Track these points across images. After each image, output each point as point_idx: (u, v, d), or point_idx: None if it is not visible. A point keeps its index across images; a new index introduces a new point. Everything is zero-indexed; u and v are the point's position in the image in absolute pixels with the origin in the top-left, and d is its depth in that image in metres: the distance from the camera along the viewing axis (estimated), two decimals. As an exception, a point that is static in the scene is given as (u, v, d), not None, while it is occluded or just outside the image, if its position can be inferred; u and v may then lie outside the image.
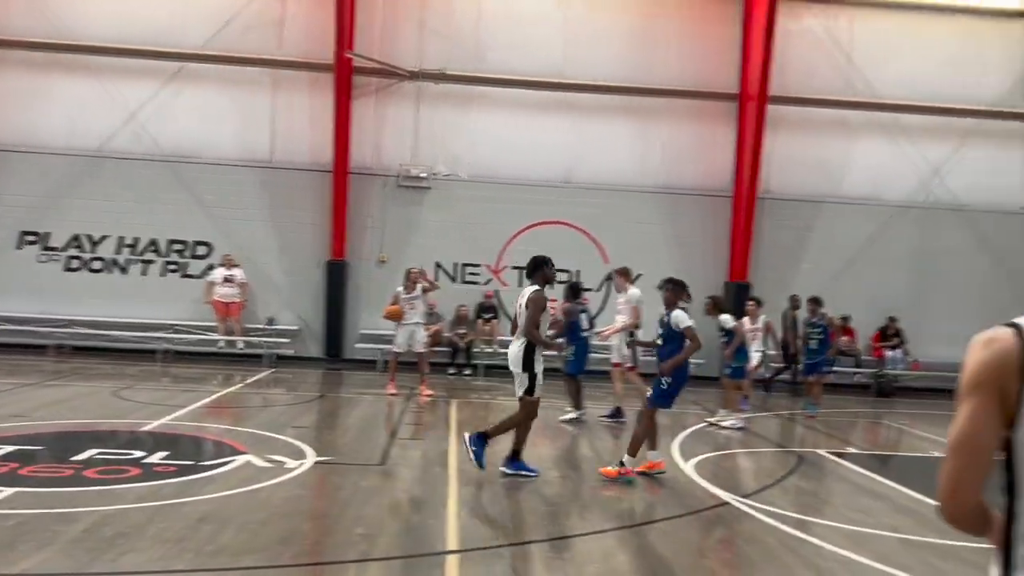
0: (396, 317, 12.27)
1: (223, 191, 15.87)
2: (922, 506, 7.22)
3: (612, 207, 16.28)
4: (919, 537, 6.12)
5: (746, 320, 12.00)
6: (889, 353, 16.19)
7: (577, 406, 10.62)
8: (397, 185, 16.13)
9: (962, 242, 16.63)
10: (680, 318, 7.61)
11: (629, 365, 10.86)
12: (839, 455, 9.34)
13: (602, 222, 16.30)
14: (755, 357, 12.24)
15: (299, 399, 11.86)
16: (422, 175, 16.07)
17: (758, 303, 12.58)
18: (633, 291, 10.87)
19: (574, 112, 16.39)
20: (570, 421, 10.39)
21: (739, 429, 10.43)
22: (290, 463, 7.31)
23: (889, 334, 16.36)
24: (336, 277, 15.87)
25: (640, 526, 6.08)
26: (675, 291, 7.84)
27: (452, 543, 5.39)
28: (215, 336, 15.38)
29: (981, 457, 1.59)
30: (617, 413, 10.70)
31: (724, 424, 10.56)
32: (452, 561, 5.04)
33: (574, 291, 11.09)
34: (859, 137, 16.73)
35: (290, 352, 15.68)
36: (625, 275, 11.26)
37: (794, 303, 14.68)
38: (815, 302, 12.78)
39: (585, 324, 10.87)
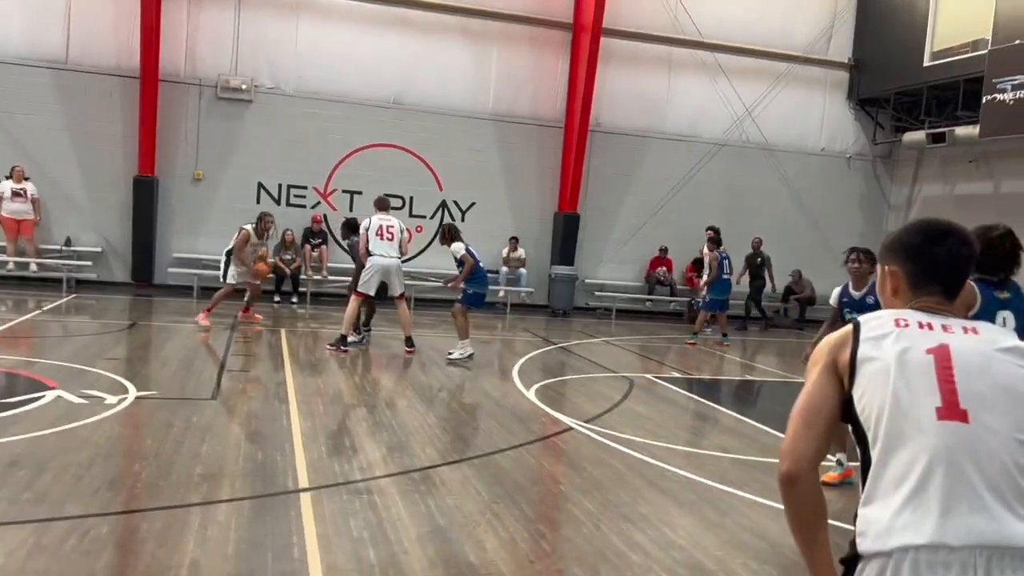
0: (265, 277, 11.57)
1: (10, 94, 13.96)
2: (744, 426, 7.76)
3: (445, 132, 15.94)
4: (747, 456, 6.56)
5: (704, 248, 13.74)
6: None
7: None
8: (215, 97, 14.87)
9: (768, 180, 17.81)
10: (456, 249, 9.86)
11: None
12: (666, 379, 9.85)
13: (435, 147, 15.95)
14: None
15: (107, 328, 10.85)
16: (243, 87, 14.90)
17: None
18: (456, 246, 10.23)
19: (409, 30, 15.75)
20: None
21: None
22: (109, 399, 6.67)
23: (701, 265, 17.35)
24: (145, 195, 14.52)
25: (492, 455, 6.07)
26: (450, 232, 10.14)
27: (303, 480, 5.12)
28: (4, 257, 13.71)
29: (820, 418, 1.78)
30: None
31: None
32: (306, 499, 4.79)
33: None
34: (682, 75, 17.31)
35: (92, 276, 14.30)
36: (449, 236, 10.32)
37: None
38: (714, 241, 13.52)
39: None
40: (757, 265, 16.27)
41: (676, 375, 10.45)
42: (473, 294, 10.11)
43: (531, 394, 8.28)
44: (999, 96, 14.13)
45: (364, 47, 15.50)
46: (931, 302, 1.90)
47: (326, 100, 15.31)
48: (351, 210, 15.66)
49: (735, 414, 8.27)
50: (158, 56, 14.14)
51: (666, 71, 17.22)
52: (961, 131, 15.53)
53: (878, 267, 2.05)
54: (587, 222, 16.53)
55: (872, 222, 18.54)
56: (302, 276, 14.81)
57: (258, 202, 15.20)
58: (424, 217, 16.00)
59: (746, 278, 16.12)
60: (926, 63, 16.39)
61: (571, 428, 7.03)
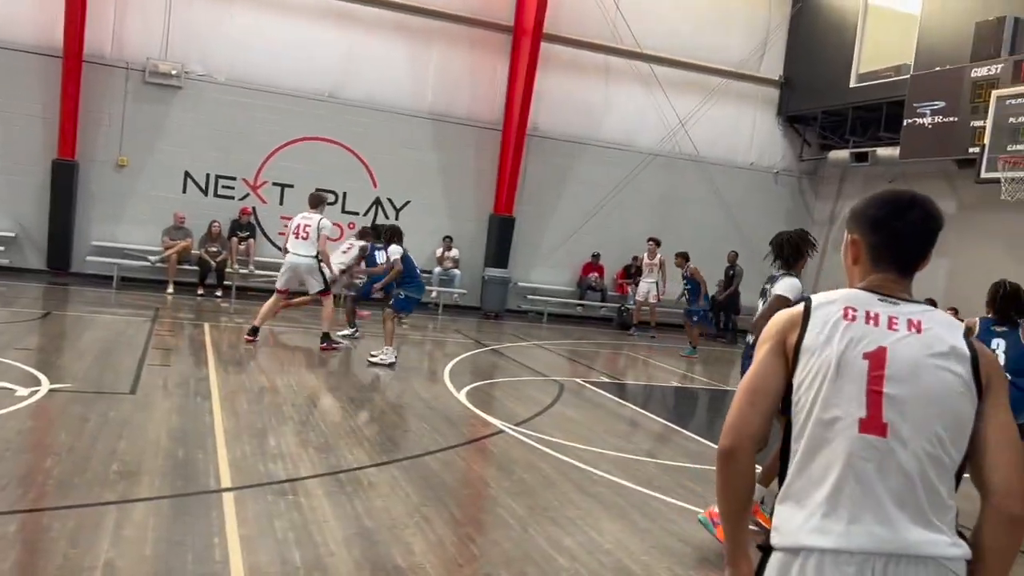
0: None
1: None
2: (672, 432, 7.88)
3: (382, 129, 15.77)
4: (674, 462, 6.66)
5: (645, 256, 14.68)
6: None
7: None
8: (143, 81, 14.37)
9: (700, 191, 18.18)
10: (392, 251, 9.71)
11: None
12: (595, 384, 9.94)
13: (371, 143, 15.76)
14: (643, 288, 15.79)
15: (19, 316, 10.34)
16: (173, 72, 14.45)
17: (656, 243, 15.43)
18: (393, 248, 10.12)
19: (347, 24, 15.53)
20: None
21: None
22: (20, 390, 6.36)
23: (631, 272, 17.59)
24: (64, 179, 13.92)
25: (421, 456, 6.01)
26: (391, 234, 9.93)
27: (226, 479, 4.97)
28: (-96, 239, 13.00)
29: (765, 397, 1.84)
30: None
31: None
32: (229, 499, 4.65)
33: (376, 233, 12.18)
34: (619, 84, 17.53)
35: (4, 262, 13.65)
36: (388, 237, 10.24)
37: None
38: (682, 256, 14.43)
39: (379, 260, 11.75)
40: (730, 278, 16.73)
41: (605, 380, 10.56)
42: (405, 299, 9.91)
43: (462, 396, 8.24)
44: (919, 120, 14.74)
45: (301, 38, 15.22)
46: (886, 280, 1.91)
47: (259, 90, 14.97)
48: (281, 204, 15.38)
49: (663, 420, 8.40)
50: (83, 36, 13.60)
51: (604, 79, 17.41)
52: (883, 152, 16.14)
53: (845, 235, 2.04)
54: (522, 225, 16.57)
55: (796, 236, 19.07)
56: (228, 269, 14.42)
57: (184, 192, 14.77)
58: (357, 214, 15.79)
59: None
60: (852, 84, 17.00)
61: (501, 431, 7.02)
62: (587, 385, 9.82)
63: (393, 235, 10.01)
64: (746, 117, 18.71)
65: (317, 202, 10.44)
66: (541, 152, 16.87)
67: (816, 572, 1.69)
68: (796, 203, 19.22)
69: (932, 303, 1.98)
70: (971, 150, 13.43)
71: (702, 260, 16.94)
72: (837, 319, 1.82)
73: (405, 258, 9.83)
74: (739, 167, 18.60)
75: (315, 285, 10.27)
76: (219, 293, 14.28)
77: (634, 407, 9.02)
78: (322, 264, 10.16)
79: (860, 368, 1.76)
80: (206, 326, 11.02)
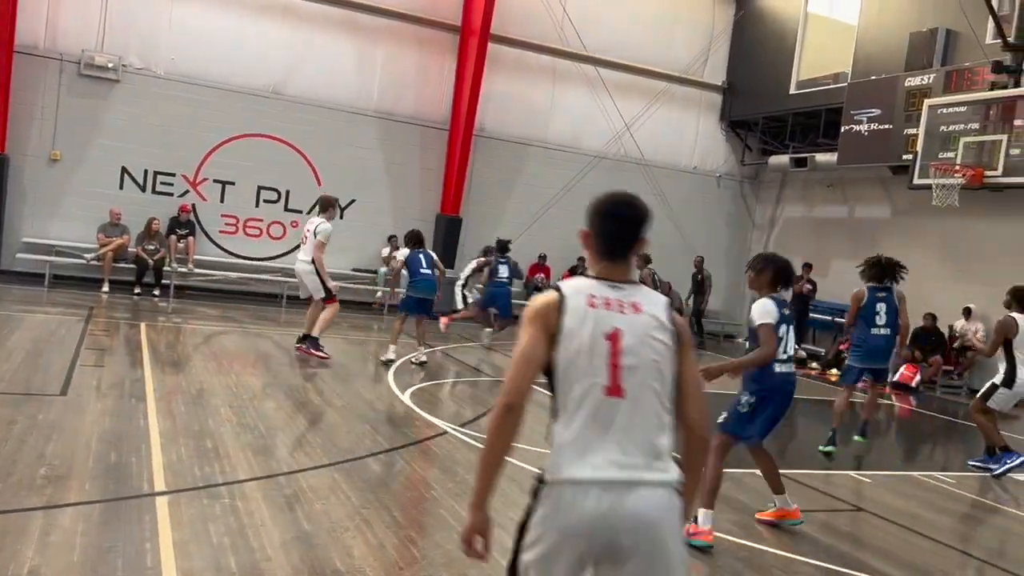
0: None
1: None
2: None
3: (327, 126, 15.59)
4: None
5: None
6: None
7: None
8: (78, 74, 13.94)
9: (644, 194, 18.10)
10: (399, 254, 7.83)
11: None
12: (543, 385, 9.93)
13: (316, 141, 15.56)
14: None
15: (-57, 315, 9.96)
16: (109, 65, 14.05)
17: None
18: (401, 251, 11.10)
19: (291, 20, 15.31)
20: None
21: None
22: (-59, 393, 6.10)
23: (578, 273, 17.72)
24: (-8, 174, 13.45)
25: (363, 458, 5.94)
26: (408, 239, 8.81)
27: (160, 483, 4.85)
28: None
29: (534, 365, 2.33)
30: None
31: None
32: (163, 503, 4.53)
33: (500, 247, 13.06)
34: (566, 86, 17.64)
35: (-72, 259, 13.12)
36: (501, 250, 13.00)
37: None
38: (643, 259, 14.10)
39: (503, 273, 12.91)
40: (698, 282, 16.97)
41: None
42: (406, 298, 10.47)
43: (406, 397, 8.17)
44: (855, 127, 15.16)
45: (244, 33, 14.96)
46: (609, 269, 2.45)
47: (200, 85, 14.65)
48: (222, 201, 15.08)
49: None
50: (14, 25, 13.15)
51: (551, 81, 17.49)
52: (821, 157, 16.55)
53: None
54: (469, 225, 16.53)
55: (738, 240, 19.48)
56: (166, 268, 14.08)
57: (121, 188, 14.38)
58: (301, 212, 15.56)
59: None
60: (792, 91, 17.39)
61: (445, 432, 6.98)
62: (535, 387, 9.82)
63: (410, 240, 10.52)
64: (690, 121, 18.99)
65: (324, 206, 10.00)
66: (488, 152, 16.87)
67: (572, 495, 2.22)
68: (738, 207, 19.58)
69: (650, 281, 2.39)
70: (905, 157, 13.86)
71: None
72: (585, 307, 2.33)
73: (409, 259, 10.34)
74: (683, 171, 18.87)
75: (317, 291, 9.83)
76: (157, 292, 13.93)
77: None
78: (319, 270, 9.67)
79: (603, 347, 2.30)
80: (143, 326, 10.74)
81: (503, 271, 12.97)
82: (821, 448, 7.90)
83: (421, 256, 10.42)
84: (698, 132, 19.09)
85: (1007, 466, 7.69)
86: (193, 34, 14.60)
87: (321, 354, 9.57)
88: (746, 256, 19.63)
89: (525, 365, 2.32)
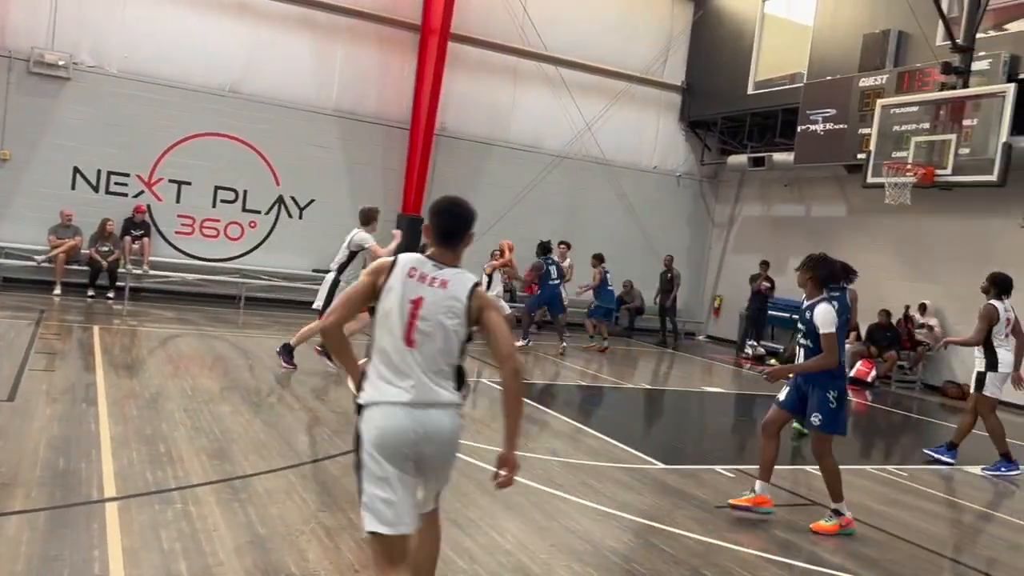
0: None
1: None
2: (574, 430, 7.96)
3: (285, 125, 15.41)
4: (574, 460, 6.73)
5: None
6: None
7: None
8: (27, 72, 13.60)
9: (606, 194, 18.47)
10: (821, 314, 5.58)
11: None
12: (499, 384, 9.93)
13: (274, 140, 15.38)
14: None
15: None
16: (60, 63, 13.72)
17: (567, 246, 15.07)
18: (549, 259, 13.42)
19: (249, 17, 15.11)
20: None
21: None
22: None
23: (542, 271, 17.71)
24: (-62, 174, 13.07)
25: (321, 461, 5.88)
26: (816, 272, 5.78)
27: (110, 489, 4.74)
28: None
29: (354, 307, 3.15)
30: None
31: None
32: (112, 510, 4.43)
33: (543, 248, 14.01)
34: (527, 86, 17.65)
35: None
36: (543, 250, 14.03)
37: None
38: (567, 245, 14.72)
39: (554, 275, 13.85)
40: (667, 281, 17.06)
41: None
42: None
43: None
44: (811, 127, 15.38)
45: (199, 30, 14.72)
46: (439, 253, 3.13)
47: (155, 83, 14.39)
48: (178, 202, 14.83)
49: (566, 418, 8.47)
50: (-40, 21, 12.80)
51: (512, 81, 17.49)
52: (779, 157, 16.77)
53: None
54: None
55: (698, 238, 19.68)
56: (120, 270, 13.81)
57: (73, 188, 14.07)
58: (259, 212, 15.39)
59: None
60: (750, 91, 17.60)
61: (404, 433, 6.93)
62: (494, 385, 9.82)
63: (544, 248, 11.69)
64: (650, 121, 19.12)
65: (366, 219, 9.72)
66: (450, 152, 16.82)
67: (382, 414, 2.97)
68: (697, 206, 19.77)
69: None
70: (859, 156, 14.09)
71: (608, 262, 17.23)
72: (405, 276, 3.05)
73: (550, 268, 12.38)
74: (643, 170, 18.99)
75: (319, 299, 9.43)
76: (111, 294, 13.66)
77: (539, 406, 9.06)
78: (340, 280, 9.30)
79: (408, 309, 3.02)
80: (96, 329, 10.52)
81: (554, 272, 13.86)
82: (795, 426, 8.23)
83: (552, 268, 13.45)
84: (658, 132, 19.23)
85: (1000, 472, 7.91)
86: (147, 31, 14.34)
87: (287, 365, 9.26)
88: (706, 254, 19.90)
89: (349, 302, 3.17)
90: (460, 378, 3.11)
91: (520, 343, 13.00)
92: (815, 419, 5.58)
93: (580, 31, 17.73)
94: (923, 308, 14.48)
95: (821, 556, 5.09)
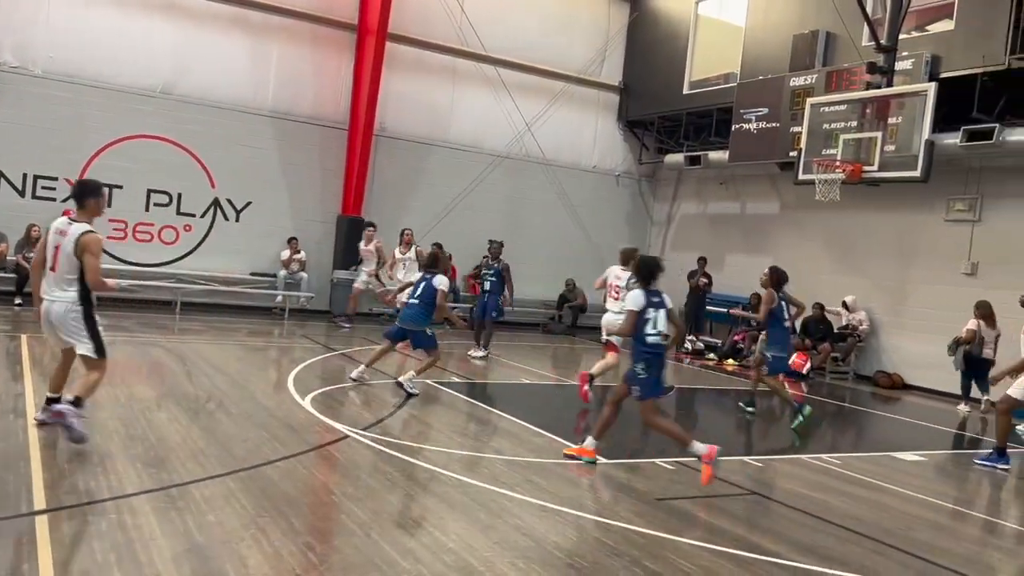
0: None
1: None
2: (518, 428, 8.00)
3: (220, 127, 15.13)
4: (519, 458, 6.77)
5: (361, 245, 14.30)
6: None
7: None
8: (-55, 72, 13.11)
9: (547, 193, 18.59)
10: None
11: None
12: (445, 384, 9.94)
13: (208, 142, 15.09)
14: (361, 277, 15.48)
15: None
16: (-19, 64, 13.26)
17: (374, 227, 15.02)
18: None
19: (179, 16, 14.79)
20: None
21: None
22: None
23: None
24: None
25: (261, 467, 5.80)
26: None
27: (40, 501, 4.60)
28: None
29: (38, 261, 5.88)
30: None
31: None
32: (42, 522, 4.30)
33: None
34: (466, 86, 17.65)
35: None
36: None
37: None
38: (498, 244, 13.82)
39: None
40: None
41: (457, 380, 10.59)
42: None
43: (306, 403, 8.02)
44: (745, 125, 15.73)
45: (127, 30, 14.36)
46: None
47: (82, 84, 14.00)
48: (110, 206, 14.38)
49: (510, 417, 8.50)
50: None
51: (451, 81, 17.48)
52: (714, 155, 17.10)
53: None
54: (370, 227, 16.33)
55: (637, 236, 19.91)
56: (50, 276, 13.36)
57: (-3, 193, 13.58)
58: (194, 216, 15.09)
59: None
60: (685, 91, 17.90)
61: (347, 436, 6.89)
62: (438, 386, 9.81)
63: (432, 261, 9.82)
64: (589, 121, 19.31)
65: (626, 261, 10.01)
66: (390, 153, 16.72)
67: (45, 304, 5.69)
68: (636, 205, 20.03)
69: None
70: (791, 154, 14.46)
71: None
72: (55, 232, 5.80)
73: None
74: (583, 170, 19.18)
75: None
76: (39, 302, 13.21)
77: (484, 405, 9.09)
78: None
79: (52, 251, 5.74)
80: (24, 338, 10.17)
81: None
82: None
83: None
84: (597, 132, 19.43)
85: (993, 463, 8.20)
86: (73, 31, 13.93)
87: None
88: (644, 252, 20.15)
89: (38, 256, 5.90)
90: None
91: (480, 353, 12.68)
92: (634, 392, 6.50)
93: (518, 31, 17.81)
94: (845, 306, 14.80)
95: (759, 544, 5.22)
